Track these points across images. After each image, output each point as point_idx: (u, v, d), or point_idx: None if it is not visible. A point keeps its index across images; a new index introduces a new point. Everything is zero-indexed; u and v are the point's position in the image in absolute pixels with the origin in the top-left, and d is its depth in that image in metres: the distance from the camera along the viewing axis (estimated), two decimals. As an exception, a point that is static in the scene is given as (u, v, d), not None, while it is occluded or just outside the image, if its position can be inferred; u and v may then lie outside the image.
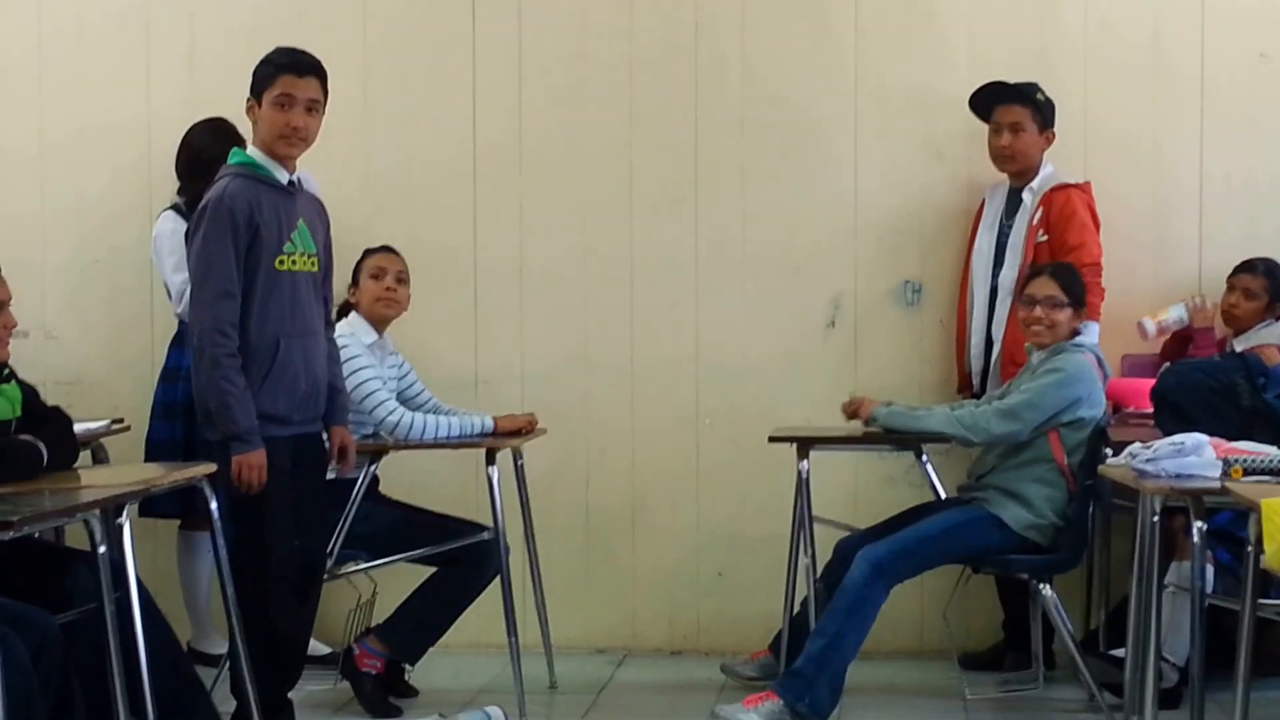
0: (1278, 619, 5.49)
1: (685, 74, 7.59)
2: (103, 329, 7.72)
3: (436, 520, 6.72)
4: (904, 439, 6.74)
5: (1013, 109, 7.09)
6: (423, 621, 6.64)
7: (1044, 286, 6.47)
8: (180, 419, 6.85)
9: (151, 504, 6.58)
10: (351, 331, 6.67)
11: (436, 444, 6.60)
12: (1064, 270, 6.55)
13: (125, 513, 5.07)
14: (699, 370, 7.62)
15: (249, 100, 5.79)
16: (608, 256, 7.63)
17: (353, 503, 6.41)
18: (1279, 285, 7.03)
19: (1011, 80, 7.14)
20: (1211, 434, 5.47)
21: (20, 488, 5.00)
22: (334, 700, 6.67)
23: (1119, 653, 6.29)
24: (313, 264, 5.90)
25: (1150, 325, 7.09)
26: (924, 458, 6.85)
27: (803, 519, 6.62)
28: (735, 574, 7.61)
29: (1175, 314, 7.08)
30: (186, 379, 6.51)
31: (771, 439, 6.74)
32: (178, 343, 6.97)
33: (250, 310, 5.67)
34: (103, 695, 4.95)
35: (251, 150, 5.82)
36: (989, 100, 7.15)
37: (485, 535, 6.53)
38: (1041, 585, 6.36)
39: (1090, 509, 6.39)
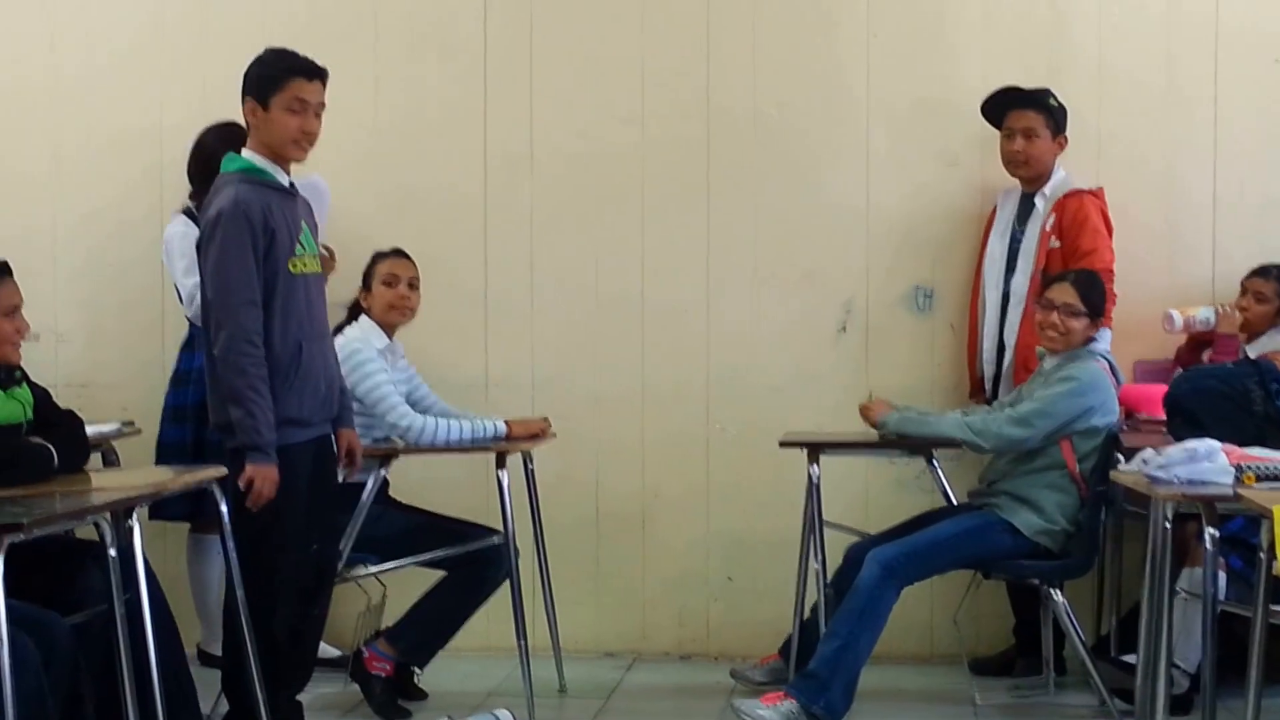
0: (1290, 625, 5.47)
1: (697, 81, 7.59)
2: (114, 333, 7.74)
3: (446, 524, 6.72)
4: (915, 444, 6.74)
5: (1026, 114, 7.08)
6: (432, 625, 6.65)
7: (1064, 293, 6.45)
8: (190, 422, 6.84)
9: (162, 507, 6.58)
10: (363, 336, 6.67)
11: (448, 448, 6.60)
12: (1086, 279, 6.53)
13: (135, 515, 5.08)
14: (710, 375, 7.62)
15: (248, 102, 5.70)
16: (619, 261, 7.63)
17: (363, 506, 6.41)
18: (1292, 291, 7.03)
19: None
20: (1224, 440, 5.44)
21: (31, 490, 5.01)
22: (344, 703, 6.67)
23: (1130, 658, 6.30)
24: (318, 265, 5.90)
25: (1178, 317, 7.03)
26: (935, 463, 6.83)
27: (813, 524, 6.62)
28: (745, 578, 7.61)
29: (1203, 314, 7.03)
30: (197, 382, 6.52)
31: (782, 444, 6.75)
32: (189, 346, 6.97)
33: (272, 316, 5.62)
34: (113, 696, 4.96)
35: (249, 154, 5.74)
36: (1002, 106, 7.15)
37: (495, 539, 6.54)
38: (1052, 590, 6.36)
39: (1102, 515, 6.39)
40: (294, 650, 5.88)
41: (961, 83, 7.40)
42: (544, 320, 7.67)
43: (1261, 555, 4.89)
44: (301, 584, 5.83)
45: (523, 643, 6.47)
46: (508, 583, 6.53)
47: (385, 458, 6.55)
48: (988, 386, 7.17)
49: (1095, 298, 6.47)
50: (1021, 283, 7.03)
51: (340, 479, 6.09)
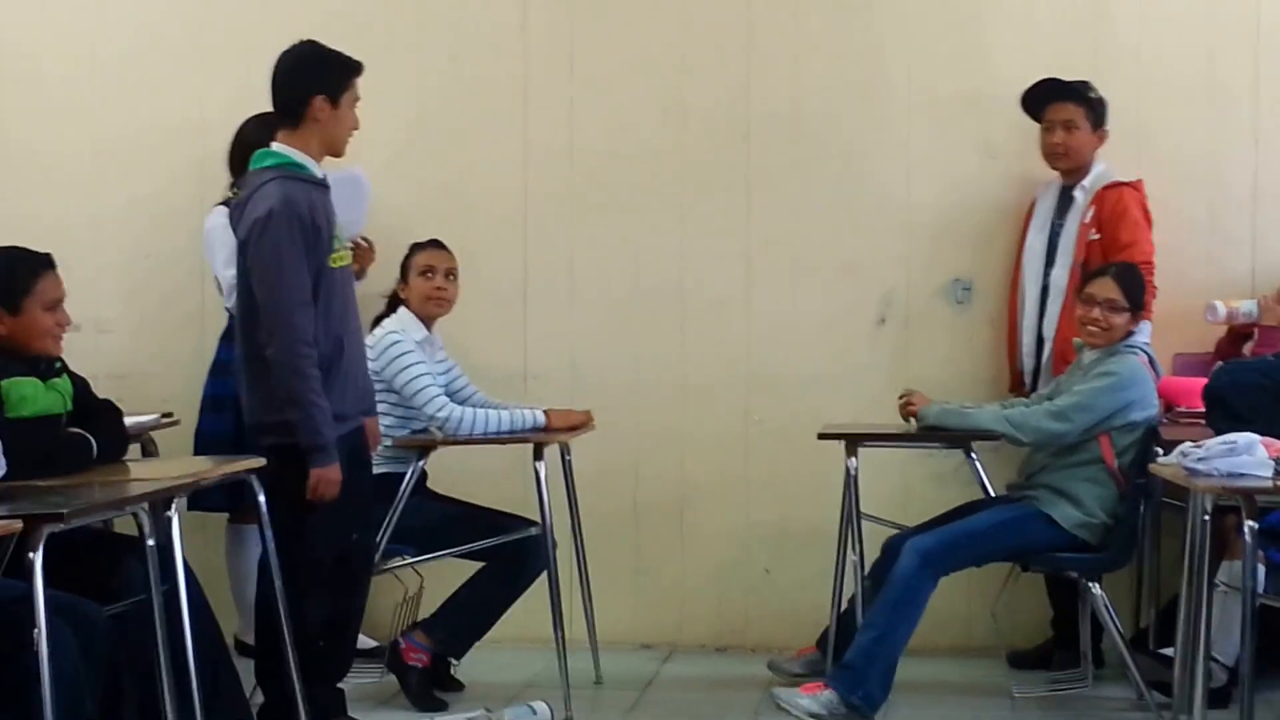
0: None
1: (737, 75, 7.59)
2: (154, 324, 7.77)
3: (484, 515, 6.74)
4: (953, 437, 6.73)
5: (1066, 106, 7.06)
6: (469, 616, 6.67)
7: (1106, 289, 6.41)
8: (229, 412, 6.84)
9: (201, 497, 6.61)
10: (402, 327, 6.69)
11: (486, 439, 6.61)
12: (1128, 273, 6.50)
13: (174, 506, 5.09)
14: (749, 367, 7.62)
15: (319, 98, 5.66)
16: (658, 254, 7.64)
17: (401, 496, 6.43)
18: (1331, 284, 7.00)
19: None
20: (1264, 433, 5.43)
21: (70, 480, 5.04)
22: (380, 693, 6.69)
23: (1168, 652, 6.27)
24: (350, 256, 5.90)
25: (1221, 308, 6.97)
26: (973, 456, 6.82)
27: (851, 516, 6.61)
28: (783, 570, 7.61)
29: (1246, 306, 6.98)
30: (237, 373, 6.53)
31: (821, 436, 6.73)
32: (227, 337, 6.98)
33: (317, 312, 5.61)
34: (151, 686, 4.99)
35: (286, 149, 5.70)
36: (1042, 98, 7.12)
37: (533, 530, 6.55)
38: (1091, 584, 6.34)
39: (1141, 508, 6.37)
40: (334, 641, 5.89)
41: (1001, 75, 7.38)
42: (583, 313, 7.68)
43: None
44: (338, 575, 5.84)
45: (559, 634, 6.48)
46: (545, 574, 6.53)
47: (424, 449, 6.57)
48: (1027, 380, 7.15)
49: (1136, 291, 6.45)
50: (1061, 276, 7.02)
51: None
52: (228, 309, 6.89)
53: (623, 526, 7.65)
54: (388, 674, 6.64)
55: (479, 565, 6.67)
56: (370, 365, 6.27)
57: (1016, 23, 7.49)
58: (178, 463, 6.01)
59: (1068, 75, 7.13)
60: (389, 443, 6.50)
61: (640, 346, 7.66)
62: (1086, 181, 7.08)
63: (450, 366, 6.91)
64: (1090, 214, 7.00)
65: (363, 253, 7.03)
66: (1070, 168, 7.11)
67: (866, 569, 6.55)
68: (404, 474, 6.48)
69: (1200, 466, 5.38)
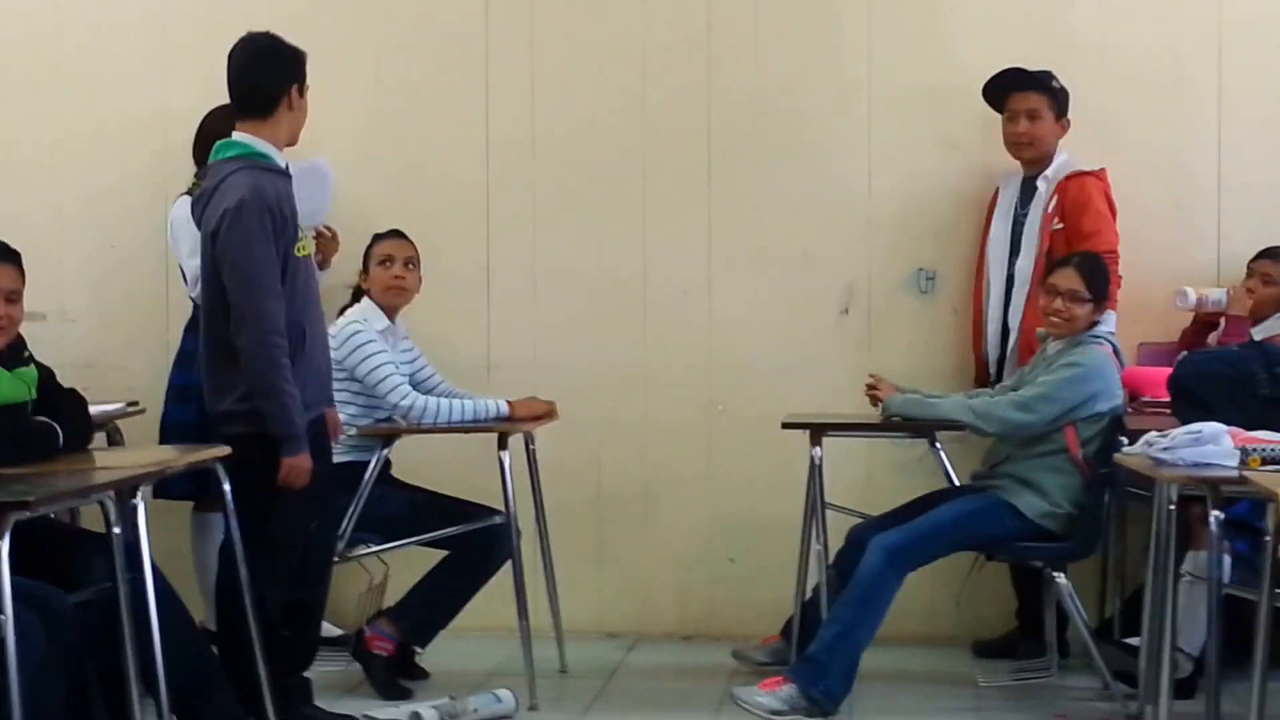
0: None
1: (699, 66, 7.59)
2: (119, 313, 7.74)
3: (448, 504, 6.72)
4: (917, 427, 6.73)
5: (1029, 96, 7.08)
6: (434, 605, 6.67)
7: (1068, 279, 6.42)
8: (194, 402, 6.77)
9: (166, 486, 6.57)
10: (364, 317, 6.68)
11: (450, 428, 6.61)
12: (1090, 262, 6.51)
13: (140, 494, 5.07)
14: (712, 357, 7.63)
15: (291, 88, 5.70)
16: (620, 244, 7.64)
17: (365, 485, 6.41)
18: (1299, 273, 7.02)
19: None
20: (1229, 423, 5.43)
21: (36, 469, 5.02)
22: (345, 682, 6.68)
23: (1133, 641, 6.29)
24: (312, 246, 5.90)
25: (1191, 294, 6.98)
26: (938, 445, 6.82)
27: (815, 505, 6.61)
28: (747, 559, 7.61)
29: (1216, 295, 6.98)
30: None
31: (784, 425, 6.73)
32: (193, 327, 6.94)
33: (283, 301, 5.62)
34: (118, 675, 4.96)
35: (249, 139, 5.71)
36: (1004, 88, 7.15)
37: (497, 519, 6.53)
38: (1055, 573, 6.36)
39: (1106, 497, 6.37)
40: (298, 629, 5.88)
41: (963, 66, 7.39)
42: (546, 303, 7.67)
43: (1267, 538, 4.90)
44: (300, 564, 5.83)
45: (524, 623, 6.47)
46: (509, 563, 6.52)
47: (388, 438, 6.56)
48: (992, 370, 7.17)
49: (1099, 282, 6.46)
50: (1025, 266, 7.03)
51: None
52: (193, 299, 6.86)
53: (587, 516, 7.65)
54: (353, 662, 6.64)
55: (443, 554, 6.66)
56: (332, 355, 6.26)
57: (978, 15, 7.50)
58: (144, 451, 6.01)
59: (1030, 67, 7.14)
60: (353, 431, 6.50)
61: (603, 337, 7.65)
62: (1049, 171, 7.10)
63: (416, 355, 6.90)
64: (1054, 203, 7.02)
65: (326, 243, 7.04)
66: (1034, 157, 7.13)
67: (830, 558, 6.56)
68: (368, 462, 6.47)
69: (1166, 456, 5.39)
